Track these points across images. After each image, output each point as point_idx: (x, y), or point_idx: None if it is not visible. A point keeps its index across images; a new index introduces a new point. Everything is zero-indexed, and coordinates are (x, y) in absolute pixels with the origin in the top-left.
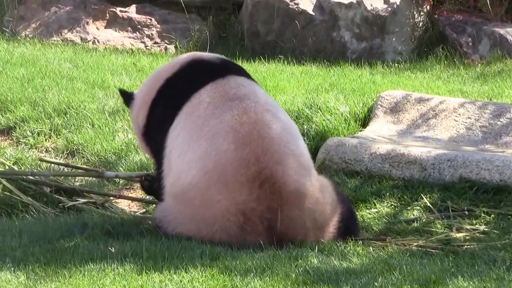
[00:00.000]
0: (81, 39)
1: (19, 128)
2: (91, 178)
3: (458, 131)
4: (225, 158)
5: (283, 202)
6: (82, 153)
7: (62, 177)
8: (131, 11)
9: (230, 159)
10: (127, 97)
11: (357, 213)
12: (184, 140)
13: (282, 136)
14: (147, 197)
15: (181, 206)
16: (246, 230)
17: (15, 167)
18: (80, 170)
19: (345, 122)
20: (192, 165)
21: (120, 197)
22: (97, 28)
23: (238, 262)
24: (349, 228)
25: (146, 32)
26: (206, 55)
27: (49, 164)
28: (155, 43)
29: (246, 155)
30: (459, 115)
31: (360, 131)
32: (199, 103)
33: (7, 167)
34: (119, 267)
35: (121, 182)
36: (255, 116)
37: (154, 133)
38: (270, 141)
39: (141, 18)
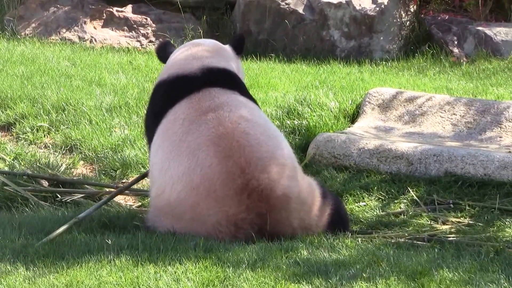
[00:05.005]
0: (79, 38)
1: (19, 124)
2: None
3: (444, 127)
4: (211, 173)
5: (271, 207)
6: (79, 148)
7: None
8: (127, 11)
9: (216, 174)
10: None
11: (346, 206)
12: (164, 156)
13: (262, 142)
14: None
15: (172, 221)
16: (238, 236)
17: (15, 162)
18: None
19: (335, 118)
20: (176, 180)
21: (118, 188)
22: (94, 28)
23: (230, 254)
24: (338, 228)
25: (142, 31)
26: (189, 68)
27: (48, 161)
28: (150, 41)
29: (231, 168)
30: (445, 111)
31: (349, 127)
32: (174, 120)
33: (7, 162)
34: (115, 259)
35: (117, 176)
36: (231, 125)
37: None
38: (251, 149)
39: (137, 17)
